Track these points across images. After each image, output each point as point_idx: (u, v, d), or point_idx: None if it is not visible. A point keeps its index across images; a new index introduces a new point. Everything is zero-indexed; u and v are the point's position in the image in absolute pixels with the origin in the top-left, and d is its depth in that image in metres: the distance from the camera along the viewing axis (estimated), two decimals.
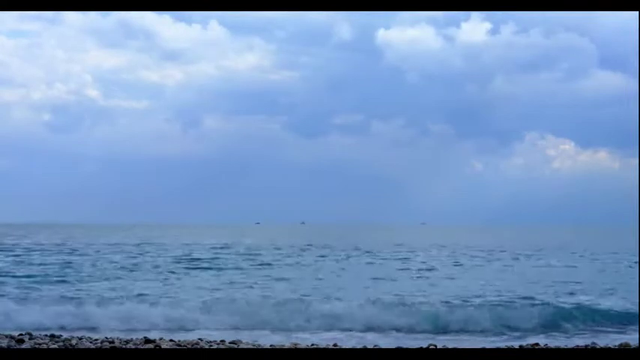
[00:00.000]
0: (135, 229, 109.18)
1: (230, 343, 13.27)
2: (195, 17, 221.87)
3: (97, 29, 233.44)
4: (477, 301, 19.48)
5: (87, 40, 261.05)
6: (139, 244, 51.76)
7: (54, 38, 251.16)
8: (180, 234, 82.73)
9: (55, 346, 12.35)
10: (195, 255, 39.19)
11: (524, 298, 20.20)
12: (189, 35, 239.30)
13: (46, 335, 13.60)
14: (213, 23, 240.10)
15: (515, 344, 13.59)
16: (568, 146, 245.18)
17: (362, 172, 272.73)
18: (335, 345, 13.26)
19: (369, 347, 12.88)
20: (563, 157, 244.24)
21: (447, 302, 18.92)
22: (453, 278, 27.48)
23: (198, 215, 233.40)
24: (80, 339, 13.13)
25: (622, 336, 15.47)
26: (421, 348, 12.69)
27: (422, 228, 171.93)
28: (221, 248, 48.30)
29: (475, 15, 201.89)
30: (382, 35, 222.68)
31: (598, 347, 13.21)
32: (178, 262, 33.49)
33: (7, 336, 13.14)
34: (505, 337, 15.79)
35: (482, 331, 16.31)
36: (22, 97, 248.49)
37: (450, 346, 13.25)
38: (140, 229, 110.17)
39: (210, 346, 12.76)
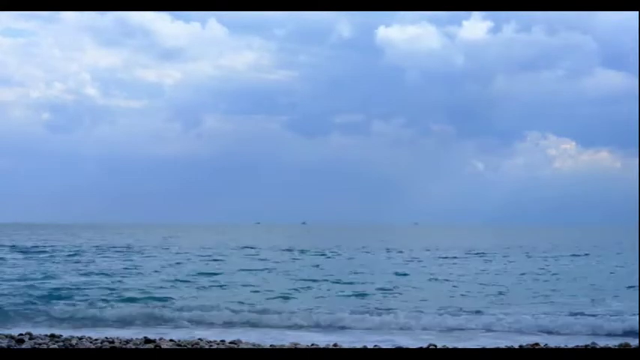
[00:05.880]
0: (149, 230, 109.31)
1: (230, 343, 13.27)
2: (193, 16, 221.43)
3: (93, 27, 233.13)
4: None
5: (84, 38, 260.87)
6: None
7: (51, 37, 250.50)
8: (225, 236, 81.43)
9: (55, 346, 12.35)
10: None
11: None
12: (188, 33, 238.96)
13: (46, 335, 13.60)
14: (211, 22, 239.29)
15: (515, 344, 13.59)
16: (569, 146, 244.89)
17: (362, 172, 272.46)
18: (335, 345, 13.25)
19: (369, 347, 12.88)
20: (565, 157, 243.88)
21: None
22: None
23: (198, 215, 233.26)
24: (80, 339, 13.13)
25: (622, 336, 15.51)
26: (421, 348, 12.69)
27: (416, 228, 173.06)
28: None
29: (476, 13, 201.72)
30: (382, 33, 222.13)
31: (598, 347, 13.21)
32: None
33: (7, 336, 13.15)
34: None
35: None
36: (20, 97, 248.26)
37: (450, 346, 13.25)
38: (153, 230, 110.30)
39: (210, 346, 12.76)
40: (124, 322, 17.74)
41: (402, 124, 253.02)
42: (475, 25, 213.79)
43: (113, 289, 23.07)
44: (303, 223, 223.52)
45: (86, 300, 20.61)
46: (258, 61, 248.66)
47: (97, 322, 17.80)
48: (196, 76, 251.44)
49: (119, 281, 25.70)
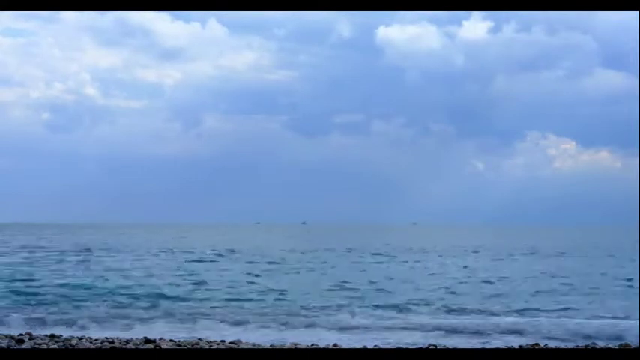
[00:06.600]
0: (151, 230, 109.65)
1: (230, 343, 13.27)
2: (193, 16, 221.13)
3: (93, 27, 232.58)
4: None
5: (84, 38, 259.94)
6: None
7: (51, 37, 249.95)
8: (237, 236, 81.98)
9: (55, 346, 12.35)
10: None
11: None
12: (188, 33, 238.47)
13: (46, 335, 13.60)
14: (211, 22, 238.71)
15: (515, 344, 13.59)
16: (569, 146, 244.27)
17: (362, 172, 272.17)
18: (335, 345, 13.26)
19: (369, 347, 12.88)
20: (565, 157, 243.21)
21: None
22: None
23: (198, 215, 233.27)
24: (80, 339, 13.13)
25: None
26: (421, 348, 12.69)
27: (414, 228, 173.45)
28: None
29: (476, 13, 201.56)
30: (382, 33, 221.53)
31: (598, 347, 13.22)
32: None
33: (7, 336, 13.16)
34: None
35: None
36: (20, 97, 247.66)
37: (450, 346, 13.25)
38: (155, 230, 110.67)
39: (210, 346, 12.76)
40: (128, 322, 17.78)
41: (402, 124, 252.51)
42: (475, 25, 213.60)
43: (124, 289, 23.30)
44: (303, 223, 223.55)
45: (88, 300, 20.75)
46: (258, 61, 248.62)
47: (99, 321, 17.83)
48: (196, 76, 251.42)
49: (127, 281, 25.83)
